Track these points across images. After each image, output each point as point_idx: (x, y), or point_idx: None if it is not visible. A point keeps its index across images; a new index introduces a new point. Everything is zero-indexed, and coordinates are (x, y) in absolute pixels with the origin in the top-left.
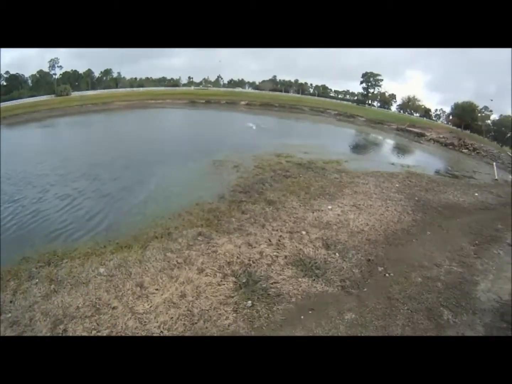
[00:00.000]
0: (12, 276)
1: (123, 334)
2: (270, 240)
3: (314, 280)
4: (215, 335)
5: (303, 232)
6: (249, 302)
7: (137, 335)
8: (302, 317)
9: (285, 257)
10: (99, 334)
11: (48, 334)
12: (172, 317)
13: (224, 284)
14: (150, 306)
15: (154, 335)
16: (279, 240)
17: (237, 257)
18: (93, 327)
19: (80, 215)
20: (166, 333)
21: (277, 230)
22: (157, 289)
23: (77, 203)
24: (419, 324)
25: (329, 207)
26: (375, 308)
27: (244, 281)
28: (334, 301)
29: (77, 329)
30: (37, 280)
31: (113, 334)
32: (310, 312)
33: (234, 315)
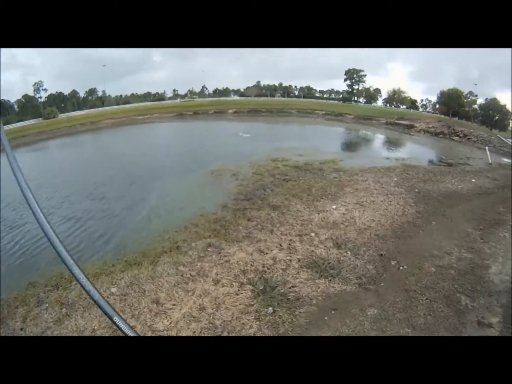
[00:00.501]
0: (20, 302)
1: None
2: (281, 245)
3: (330, 280)
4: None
5: (312, 234)
6: (270, 308)
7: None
8: (326, 318)
9: (299, 260)
10: None
11: None
12: (194, 332)
13: (242, 293)
14: (170, 322)
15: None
16: (289, 244)
17: (251, 265)
18: None
19: (84, 236)
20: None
21: (286, 234)
22: (174, 304)
23: (80, 224)
24: (440, 312)
25: (333, 207)
26: (395, 301)
27: (261, 288)
28: (354, 299)
29: None
30: (46, 304)
31: None
32: (333, 312)
33: (258, 323)
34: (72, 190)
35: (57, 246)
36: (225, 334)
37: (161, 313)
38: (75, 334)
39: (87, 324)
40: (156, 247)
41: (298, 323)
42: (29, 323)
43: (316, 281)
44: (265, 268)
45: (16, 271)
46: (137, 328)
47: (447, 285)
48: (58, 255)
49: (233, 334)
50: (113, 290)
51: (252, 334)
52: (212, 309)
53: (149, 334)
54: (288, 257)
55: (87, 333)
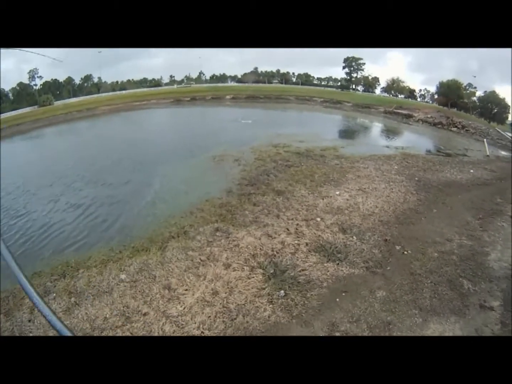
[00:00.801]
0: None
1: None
2: (288, 229)
3: (338, 264)
4: (237, 335)
5: (318, 219)
6: (282, 291)
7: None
8: (337, 299)
9: (306, 244)
10: None
11: None
12: (209, 316)
13: (253, 277)
14: (184, 308)
15: (192, 335)
16: (296, 229)
17: (260, 249)
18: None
19: (88, 222)
20: (207, 333)
21: (292, 219)
22: (186, 290)
23: (83, 210)
24: (444, 295)
25: (337, 192)
26: (402, 284)
27: (271, 271)
28: (362, 282)
29: None
30: (54, 294)
31: None
32: (343, 294)
33: (271, 306)
34: (74, 177)
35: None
36: (240, 317)
37: (174, 298)
38: (86, 324)
39: (98, 312)
40: (163, 233)
41: (311, 305)
42: (37, 314)
43: (325, 264)
44: (274, 252)
45: (18, 261)
46: (150, 315)
47: (449, 270)
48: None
49: (248, 318)
50: (122, 276)
51: (267, 317)
52: (225, 293)
53: (163, 320)
54: (296, 241)
55: (98, 322)
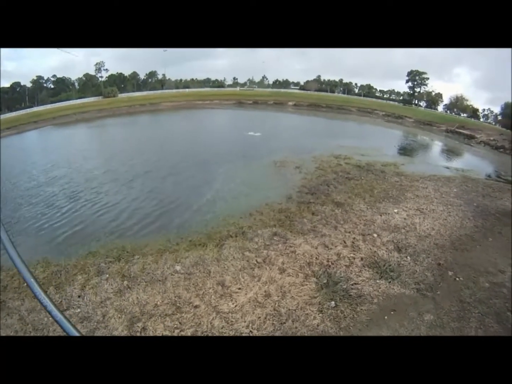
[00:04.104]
0: (79, 270)
1: (209, 334)
2: (345, 242)
3: (390, 282)
4: (278, 335)
5: (375, 235)
6: (332, 302)
7: (224, 335)
8: (385, 317)
9: (361, 259)
10: (183, 333)
11: (125, 332)
12: (259, 317)
13: (306, 285)
14: (235, 305)
15: (243, 335)
16: (353, 242)
17: (316, 258)
18: (175, 326)
19: (148, 213)
20: (255, 333)
21: (349, 232)
22: (239, 288)
23: (144, 200)
24: (490, 327)
25: (395, 210)
26: (450, 310)
27: (324, 281)
28: (412, 303)
29: (158, 328)
30: (107, 275)
31: (198, 333)
32: (392, 313)
33: (320, 315)
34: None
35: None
36: (289, 322)
37: (226, 295)
38: (136, 307)
39: (149, 299)
40: (221, 231)
41: (360, 319)
42: (88, 291)
43: (377, 281)
44: (329, 263)
45: (73, 239)
46: (201, 308)
47: (498, 302)
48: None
49: (298, 324)
50: (177, 268)
51: (315, 325)
52: (278, 297)
53: (213, 314)
54: (351, 255)
55: (148, 308)
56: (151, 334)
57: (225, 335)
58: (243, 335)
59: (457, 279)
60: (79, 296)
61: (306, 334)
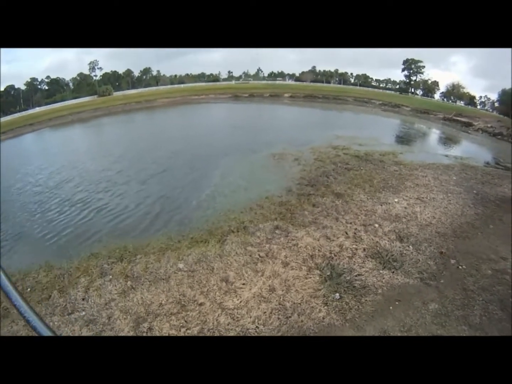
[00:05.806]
0: (82, 272)
1: (215, 331)
2: (346, 233)
3: (393, 272)
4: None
5: (376, 225)
6: (337, 294)
7: (229, 333)
8: (390, 307)
9: (364, 249)
10: (189, 331)
11: (131, 333)
12: (265, 312)
13: (310, 277)
14: (240, 301)
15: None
16: (355, 233)
17: (318, 250)
18: (181, 324)
19: (148, 211)
20: (261, 328)
21: (351, 223)
22: (244, 284)
23: (142, 198)
24: (494, 314)
25: (395, 200)
26: (454, 299)
27: (328, 274)
28: (416, 292)
29: (164, 327)
30: (110, 276)
31: (205, 331)
32: (397, 303)
33: (326, 307)
34: (137, 167)
35: None
36: (295, 316)
37: (231, 291)
38: (141, 308)
39: (154, 298)
40: (223, 226)
41: (365, 310)
42: (92, 293)
43: (381, 271)
44: (332, 255)
45: (75, 241)
46: (206, 305)
47: (502, 289)
48: None
49: (303, 317)
50: (180, 265)
51: (321, 318)
52: (282, 291)
53: (219, 311)
54: (354, 246)
55: (153, 307)
56: (157, 334)
57: (231, 334)
58: (250, 335)
59: (460, 267)
60: (83, 299)
61: (312, 328)
